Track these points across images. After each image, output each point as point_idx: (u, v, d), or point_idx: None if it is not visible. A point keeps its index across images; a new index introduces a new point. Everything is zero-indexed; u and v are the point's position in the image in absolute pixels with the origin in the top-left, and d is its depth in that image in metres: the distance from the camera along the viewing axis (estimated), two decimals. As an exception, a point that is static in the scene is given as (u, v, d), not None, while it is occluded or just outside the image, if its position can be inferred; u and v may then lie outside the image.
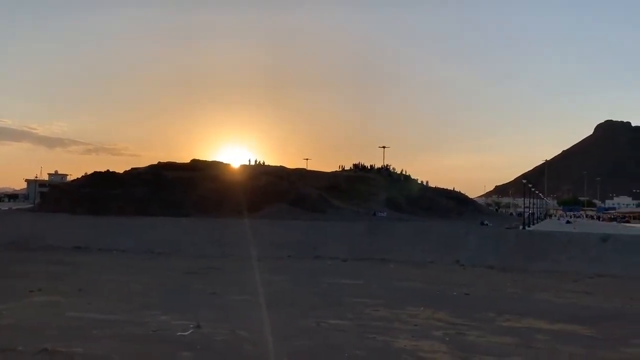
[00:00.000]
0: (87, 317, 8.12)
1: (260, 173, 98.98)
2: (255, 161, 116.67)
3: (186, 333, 7.17)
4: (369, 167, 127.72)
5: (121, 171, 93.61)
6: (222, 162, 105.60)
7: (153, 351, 6.38)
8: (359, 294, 10.94)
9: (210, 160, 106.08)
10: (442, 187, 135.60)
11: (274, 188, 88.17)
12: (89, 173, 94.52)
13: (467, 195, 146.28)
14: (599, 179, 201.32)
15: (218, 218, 36.19)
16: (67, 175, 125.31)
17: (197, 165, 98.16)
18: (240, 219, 33.01)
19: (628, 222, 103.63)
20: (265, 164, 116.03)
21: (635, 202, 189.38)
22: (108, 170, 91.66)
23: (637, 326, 8.34)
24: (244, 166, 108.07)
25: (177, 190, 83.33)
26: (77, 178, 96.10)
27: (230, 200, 71.76)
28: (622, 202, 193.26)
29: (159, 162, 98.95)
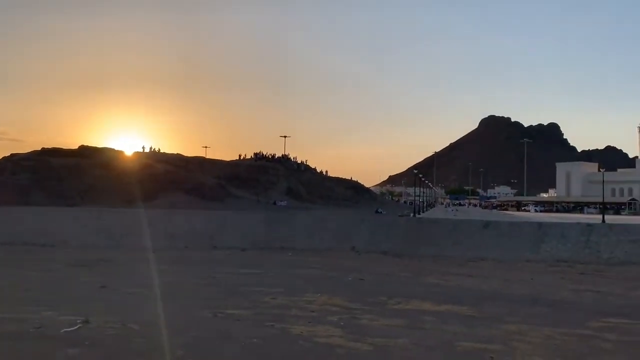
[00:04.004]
0: (-43, 317, 7.41)
1: (156, 161, 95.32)
2: (151, 148, 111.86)
3: (72, 329, 6.78)
4: (269, 157, 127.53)
5: None
6: (113, 149, 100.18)
7: (34, 350, 5.96)
8: (257, 283, 10.96)
9: (100, 146, 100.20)
10: (340, 176, 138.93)
11: (170, 176, 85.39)
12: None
13: (363, 185, 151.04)
14: (482, 169, 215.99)
15: (108, 207, 34.44)
16: None
17: (85, 152, 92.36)
18: (133, 208, 31.66)
19: (506, 209, 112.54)
20: (161, 151, 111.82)
21: (513, 191, 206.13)
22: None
23: (511, 305, 9.12)
24: (137, 153, 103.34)
25: (64, 178, 78.20)
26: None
27: (122, 189, 68.51)
28: (502, 192, 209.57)
29: (43, 148, 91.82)
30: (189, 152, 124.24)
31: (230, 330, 6.93)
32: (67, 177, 78.17)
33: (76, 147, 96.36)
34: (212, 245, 17.73)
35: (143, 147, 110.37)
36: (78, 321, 7.08)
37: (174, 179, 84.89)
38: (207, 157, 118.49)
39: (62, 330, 6.70)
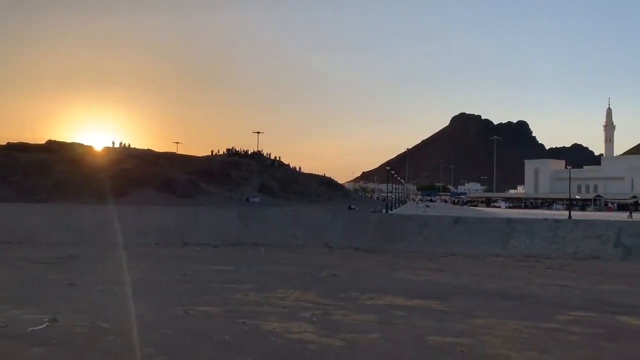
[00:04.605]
0: None
1: (126, 156, 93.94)
2: (121, 144, 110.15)
3: (39, 327, 6.64)
4: (242, 153, 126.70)
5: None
6: (82, 144, 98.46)
7: (-1, 349, 5.82)
8: (229, 279, 10.89)
9: (68, 141, 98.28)
10: (313, 172, 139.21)
11: (141, 172, 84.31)
12: None
13: (336, 181, 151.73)
14: (453, 166, 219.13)
15: (77, 204, 33.77)
16: None
17: (53, 147, 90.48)
18: (102, 204, 31.11)
19: (476, 205, 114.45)
20: (132, 147, 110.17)
21: (483, 187, 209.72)
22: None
23: (480, 299, 9.27)
24: (107, 149, 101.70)
25: (31, 174, 76.37)
26: None
27: (92, 185, 67.41)
28: (473, 188, 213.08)
29: (9, 143, 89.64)
30: (160, 147, 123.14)
31: (201, 328, 6.89)
32: (34, 172, 76.39)
33: (43, 142, 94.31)
34: (184, 242, 17.54)
35: (113, 143, 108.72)
36: (45, 320, 6.94)
37: (145, 175, 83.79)
38: (179, 152, 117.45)
39: (29, 329, 6.56)
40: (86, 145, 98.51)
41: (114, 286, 9.81)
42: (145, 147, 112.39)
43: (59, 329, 6.60)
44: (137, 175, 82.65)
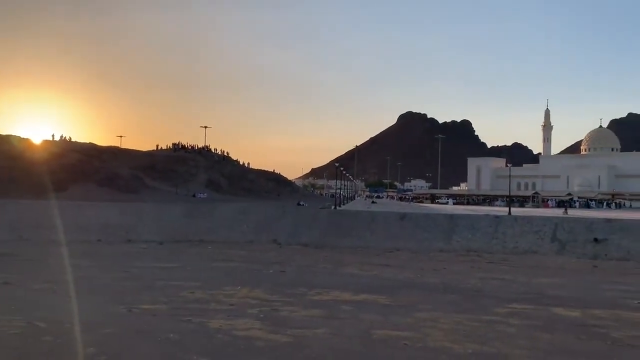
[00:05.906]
0: None
1: (67, 150, 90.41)
2: (61, 137, 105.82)
3: (-29, 329, 6.31)
4: (189, 147, 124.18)
5: None
6: (19, 137, 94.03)
7: None
8: (175, 277, 10.71)
9: (4, 134, 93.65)
10: (262, 168, 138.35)
11: (82, 167, 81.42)
12: None
13: (286, 177, 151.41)
14: (400, 163, 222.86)
15: (14, 199, 32.25)
16: None
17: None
18: (40, 200, 29.86)
19: (421, 202, 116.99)
20: (73, 140, 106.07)
21: (428, 184, 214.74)
22: None
23: (425, 293, 9.51)
24: (46, 142, 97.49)
25: (-39, 168, 72.25)
26: None
27: (29, 180, 64.55)
28: (418, 185, 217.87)
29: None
30: (103, 141, 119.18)
31: (145, 326, 6.75)
32: (-35, 166, 72.28)
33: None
34: (127, 239, 17.08)
35: (53, 136, 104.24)
36: (-23, 321, 6.60)
37: (86, 170, 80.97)
38: (122, 147, 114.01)
39: (-41, 331, 6.22)
40: (24, 138, 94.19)
41: (53, 285, 9.45)
42: (88, 141, 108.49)
43: (-7, 331, 6.31)
44: (78, 170, 79.70)
